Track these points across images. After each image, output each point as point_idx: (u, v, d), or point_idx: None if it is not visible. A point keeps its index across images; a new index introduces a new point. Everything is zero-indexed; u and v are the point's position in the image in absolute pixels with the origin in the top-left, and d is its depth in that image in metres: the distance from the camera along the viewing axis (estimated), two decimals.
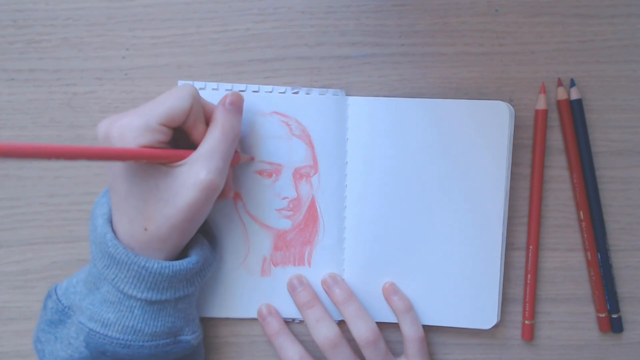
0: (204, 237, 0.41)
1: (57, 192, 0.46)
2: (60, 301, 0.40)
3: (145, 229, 0.36)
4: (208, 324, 0.46)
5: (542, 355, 0.47)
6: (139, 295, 0.37)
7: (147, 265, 0.36)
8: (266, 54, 0.45)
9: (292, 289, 0.44)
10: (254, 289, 0.45)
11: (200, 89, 0.44)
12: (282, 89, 0.44)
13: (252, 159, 0.44)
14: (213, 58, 0.45)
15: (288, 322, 0.45)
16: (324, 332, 0.42)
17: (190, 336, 0.40)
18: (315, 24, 0.45)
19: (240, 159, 0.42)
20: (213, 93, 0.44)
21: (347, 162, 0.45)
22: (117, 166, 0.36)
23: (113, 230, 0.38)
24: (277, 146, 0.44)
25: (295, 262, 0.45)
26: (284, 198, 0.45)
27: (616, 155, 0.46)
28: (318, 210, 0.45)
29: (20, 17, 0.45)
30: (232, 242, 0.45)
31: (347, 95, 0.45)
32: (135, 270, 0.36)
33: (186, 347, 0.40)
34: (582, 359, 0.47)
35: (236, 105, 0.39)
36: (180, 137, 0.38)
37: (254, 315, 0.45)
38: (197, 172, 0.36)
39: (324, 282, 0.45)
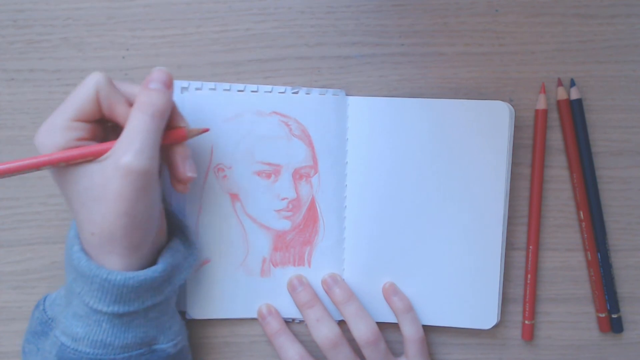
0: (179, 242, 0.40)
1: (57, 192, 0.45)
2: (45, 312, 0.39)
3: (92, 234, 0.35)
4: (208, 324, 0.46)
5: (542, 355, 0.47)
6: (104, 309, 0.35)
7: (109, 277, 0.34)
8: (266, 54, 0.45)
9: (292, 288, 0.44)
10: (253, 289, 0.45)
11: (198, 89, 0.44)
12: (282, 89, 0.44)
13: (205, 130, 0.40)
14: (213, 58, 0.45)
15: (288, 322, 0.45)
16: (324, 331, 0.42)
17: (166, 344, 0.38)
18: (315, 24, 0.45)
19: (187, 134, 0.38)
20: (211, 93, 0.44)
21: (347, 162, 0.45)
22: (53, 175, 0.35)
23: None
24: (277, 146, 0.44)
25: (295, 262, 0.45)
26: (284, 199, 0.44)
27: (616, 155, 0.46)
28: (318, 210, 0.45)
29: (20, 17, 0.45)
30: (231, 243, 0.45)
31: (347, 95, 0.45)
32: (98, 283, 0.34)
33: (162, 355, 0.38)
34: (582, 359, 0.47)
35: (158, 81, 0.36)
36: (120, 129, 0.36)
37: (254, 315, 0.45)
38: (118, 158, 0.33)
39: (324, 282, 0.45)
